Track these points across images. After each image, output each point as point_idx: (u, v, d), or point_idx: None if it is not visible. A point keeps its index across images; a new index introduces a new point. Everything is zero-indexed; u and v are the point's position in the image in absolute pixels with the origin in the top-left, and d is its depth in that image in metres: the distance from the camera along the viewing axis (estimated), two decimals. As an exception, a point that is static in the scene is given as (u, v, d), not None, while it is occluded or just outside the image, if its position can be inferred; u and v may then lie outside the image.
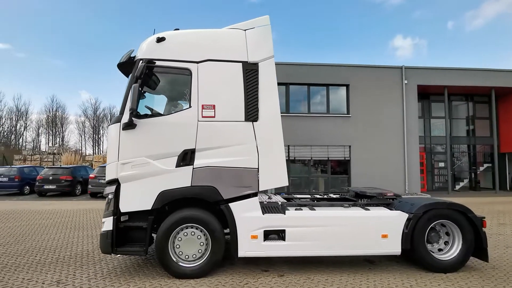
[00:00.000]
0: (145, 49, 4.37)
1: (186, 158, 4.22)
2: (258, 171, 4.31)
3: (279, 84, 15.23)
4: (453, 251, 4.50)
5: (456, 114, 18.21)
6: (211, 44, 4.50)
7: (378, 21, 69.68)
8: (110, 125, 4.44)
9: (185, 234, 4.18)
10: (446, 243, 4.61)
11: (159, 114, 4.45)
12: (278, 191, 13.20)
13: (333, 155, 15.09)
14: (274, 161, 4.38)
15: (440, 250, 4.59)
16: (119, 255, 4.97)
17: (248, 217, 4.23)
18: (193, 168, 4.21)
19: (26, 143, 47.46)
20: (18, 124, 47.17)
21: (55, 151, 30.48)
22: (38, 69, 64.08)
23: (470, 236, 4.44)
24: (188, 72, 4.36)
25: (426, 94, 17.27)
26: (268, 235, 4.32)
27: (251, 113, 4.36)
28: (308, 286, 3.89)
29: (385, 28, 71.67)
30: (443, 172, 17.76)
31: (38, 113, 65.08)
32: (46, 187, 13.93)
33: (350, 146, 15.08)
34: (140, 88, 4.12)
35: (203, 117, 4.29)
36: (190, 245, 4.17)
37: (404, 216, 4.40)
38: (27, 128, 48.15)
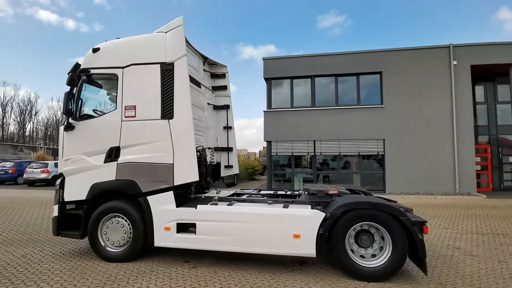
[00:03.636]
0: (84, 60, 4.98)
1: (111, 154, 4.68)
2: (173, 167, 4.51)
3: (304, 77, 14.94)
4: (382, 259, 3.93)
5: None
6: (136, 49, 4.85)
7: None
8: (60, 126, 5.21)
9: (111, 222, 4.65)
10: (381, 248, 4.04)
11: (92, 116, 5.02)
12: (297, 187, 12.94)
13: (364, 150, 13.91)
14: (187, 157, 4.50)
15: (374, 256, 4.05)
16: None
17: (162, 210, 4.47)
18: (117, 164, 4.65)
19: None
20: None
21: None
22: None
23: (401, 243, 3.82)
24: (116, 77, 4.81)
25: (491, 76, 14.40)
26: (187, 227, 4.49)
27: (167, 111, 4.56)
28: (208, 279, 3.92)
29: (486, 1, 61.09)
30: (518, 169, 14.55)
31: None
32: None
33: (384, 140, 13.67)
34: (70, 95, 4.76)
35: (125, 117, 4.69)
36: (115, 232, 4.63)
37: (320, 216, 4.03)
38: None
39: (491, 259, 4.78)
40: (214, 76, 6.92)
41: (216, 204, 4.53)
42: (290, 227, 4.08)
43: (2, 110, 52.02)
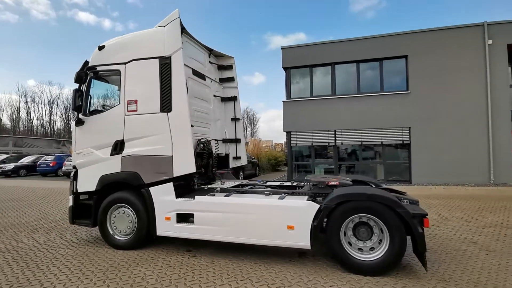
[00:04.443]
0: (91, 58, 5.22)
1: (117, 148, 4.90)
2: (172, 159, 4.62)
3: (323, 64, 14.49)
4: (379, 253, 3.79)
5: None
6: (137, 45, 4.98)
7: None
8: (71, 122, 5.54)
9: (118, 212, 4.91)
10: (381, 241, 3.88)
11: (99, 111, 5.26)
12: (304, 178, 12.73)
13: (388, 139, 13.27)
14: (184, 149, 4.58)
15: (372, 249, 3.90)
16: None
17: (163, 200, 4.62)
18: (122, 156, 4.86)
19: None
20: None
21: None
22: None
23: (399, 236, 3.65)
24: (119, 73, 4.99)
25: (535, 54, 12.97)
26: (187, 217, 4.62)
27: (165, 105, 4.66)
28: (204, 268, 4.03)
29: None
30: None
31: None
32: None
33: (409, 128, 12.94)
34: (79, 92, 5.02)
35: (128, 111, 4.87)
36: (122, 221, 4.89)
37: (315, 207, 3.95)
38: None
39: (508, 254, 4.41)
40: (221, 68, 6.93)
41: (214, 195, 4.60)
42: (284, 219, 4.05)
43: (49, 108, 56.41)
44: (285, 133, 14.96)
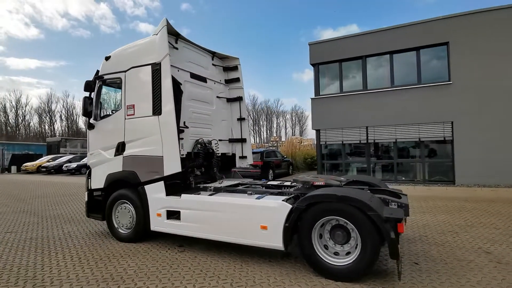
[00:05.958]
0: (100, 67, 5.79)
1: (119, 149, 5.37)
2: (163, 159, 4.91)
3: (353, 58, 13.94)
4: (351, 257, 3.59)
5: None
6: (135, 54, 5.39)
7: None
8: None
9: (121, 208, 5.38)
10: (357, 246, 3.67)
11: (106, 116, 5.79)
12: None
13: (426, 136, 12.11)
14: (171, 150, 4.83)
15: (349, 253, 3.71)
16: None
17: (155, 198, 4.95)
18: (123, 157, 5.32)
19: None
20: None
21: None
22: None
23: (370, 241, 3.42)
24: (120, 80, 5.46)
25: None
26: (176, 214, 4.87)
27: (156, 108, 4.98)
28: (183, 263, 4.23)
29: None
30: None
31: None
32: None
33: (452, 123, 11.65)
34: (88, 99, 5.60)
35: (127, 115, 5.30)
36: (124, 216, 5.35)
37: (287, 208, 3.88)
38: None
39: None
40: (226, 69, 7.09)
41: (199, 194, 4.78)
42: (258, 218, 4.05)
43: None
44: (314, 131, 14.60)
